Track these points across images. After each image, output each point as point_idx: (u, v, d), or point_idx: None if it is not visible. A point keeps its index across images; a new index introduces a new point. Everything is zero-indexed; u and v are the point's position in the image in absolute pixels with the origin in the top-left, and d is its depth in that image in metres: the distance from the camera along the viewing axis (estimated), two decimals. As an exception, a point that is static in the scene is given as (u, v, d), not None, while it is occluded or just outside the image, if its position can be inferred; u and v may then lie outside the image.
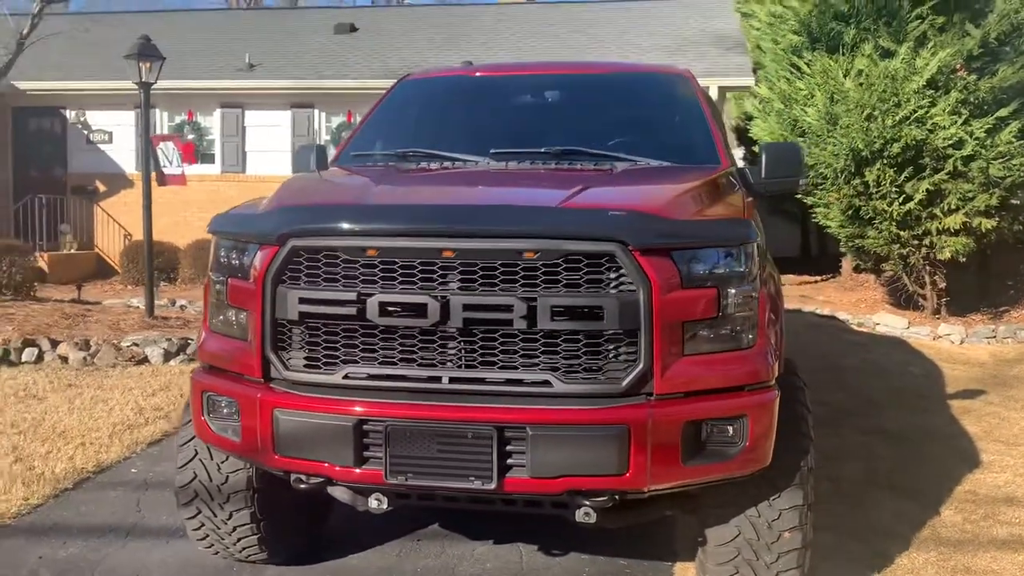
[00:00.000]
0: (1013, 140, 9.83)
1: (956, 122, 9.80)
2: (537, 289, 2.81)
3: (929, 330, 10.75)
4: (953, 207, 10.10)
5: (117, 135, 17.09)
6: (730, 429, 2.93)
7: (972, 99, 9.89)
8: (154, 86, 9.97)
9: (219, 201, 16.55)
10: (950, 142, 9.87)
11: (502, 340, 2.86)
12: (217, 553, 3.77)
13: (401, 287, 2.89)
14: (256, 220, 3.16)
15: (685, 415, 2.84)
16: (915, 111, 9.83)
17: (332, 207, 3.16)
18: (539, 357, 2.85)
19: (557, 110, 4.73)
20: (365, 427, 2.89)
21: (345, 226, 2.93)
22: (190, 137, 16.73)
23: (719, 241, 2.94)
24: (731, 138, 22.66)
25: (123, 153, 16.95)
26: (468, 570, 3.86)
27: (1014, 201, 10.48)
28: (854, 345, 9.77)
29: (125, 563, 3.86)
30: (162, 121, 16.92)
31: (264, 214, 3.15)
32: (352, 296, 2.89)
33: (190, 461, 3.56)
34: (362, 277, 2.92)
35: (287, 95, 16.26)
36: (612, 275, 2.83)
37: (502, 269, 2.83)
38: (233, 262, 3.20)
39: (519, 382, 2.85)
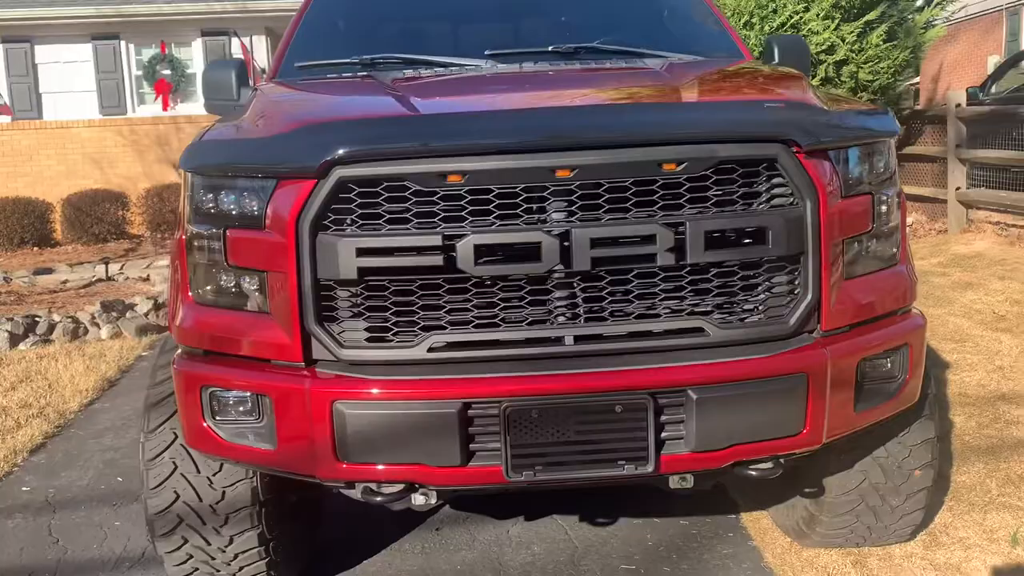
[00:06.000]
0: (880, 43, 10.01)
1: (829, 27, 9.83)
2: (682, 211, 2.18)
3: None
4: (826, 113, 10.22)
5: None
6: (889, 362, 2.47)
7: (843, 3, 9.94)
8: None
9: (13, 154, 14.36)
10: (823, 47, 9.90)
11: (640, 281, 2.20)
12: (206, 588, 2.93)
13: (501, 223, 2.16)
14: (271, 146, 2.27)
15: (861, 351, 2.34)
16: (791, 17, 9.77)
17: (393, 120, 2.31)
18: (688, 299, 2.23)
19: (536, 3, 3.99)
20: (470, 412, 2.16)
21: (417, 144, 2.14)
22: (-32, 79, 14.25)
23: (876, 135, 2.45)
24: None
25: None
26: (516, 558, 3.24)
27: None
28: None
29: (74, 618, 2.94)
30: (-73, 61, 14.28)
31: (286, 136, 2.26)
32: (436, 240, 2.14)
33: (168, 478, 2.68)
34: (443, 214, 2.17)
35: (86, 24, 14.06)
36: (764, 187, 2.24)
37: (635, 189, 2.17)
38: (230, 208, 2.32)
39: (665, 333, 2.22)
